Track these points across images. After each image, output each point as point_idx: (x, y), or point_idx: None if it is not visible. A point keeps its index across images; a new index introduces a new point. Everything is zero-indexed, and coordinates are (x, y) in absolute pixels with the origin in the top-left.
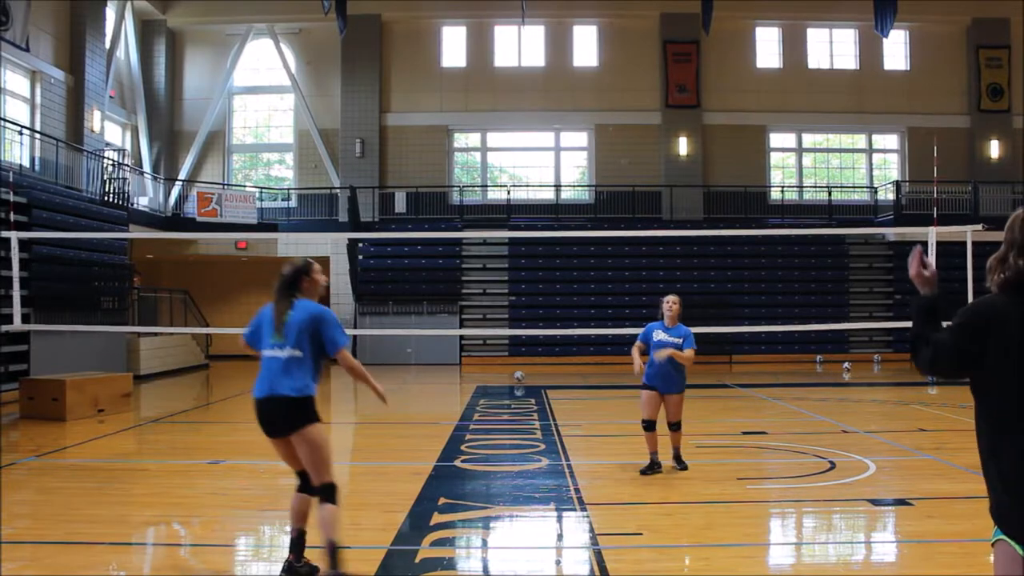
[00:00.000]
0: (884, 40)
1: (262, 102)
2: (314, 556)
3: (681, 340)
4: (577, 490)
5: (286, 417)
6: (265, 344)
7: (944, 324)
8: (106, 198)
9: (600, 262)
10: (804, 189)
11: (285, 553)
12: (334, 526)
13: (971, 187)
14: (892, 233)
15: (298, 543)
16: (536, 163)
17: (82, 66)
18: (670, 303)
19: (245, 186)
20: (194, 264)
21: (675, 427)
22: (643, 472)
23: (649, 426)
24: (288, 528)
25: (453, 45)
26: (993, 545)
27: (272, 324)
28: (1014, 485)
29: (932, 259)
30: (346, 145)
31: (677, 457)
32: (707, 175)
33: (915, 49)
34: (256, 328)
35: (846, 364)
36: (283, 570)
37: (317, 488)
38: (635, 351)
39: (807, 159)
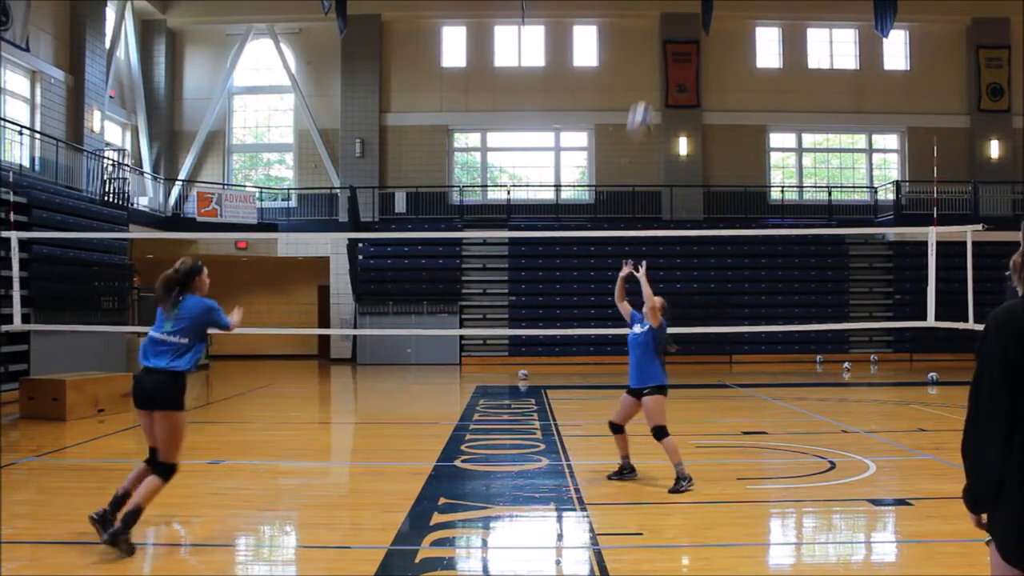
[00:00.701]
0: (884, 40)
1: (262, 102)
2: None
3: (645, 329)
4: (577, 490)
5: (156, 393)
6: (157, 328)
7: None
8: (106, 198)
9: (600, 262)
10: (804, 189)
11: (285, 553)
12: (151, 497)
13: (971, 187)
14: (892, 233)
15: (120, 502)
16: (536, 163)
17: (82, 66)
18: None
19: (245, 186)
20: None
21: (657, 434)
22: (610, 477)
23: (613, 428)
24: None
25: (453, 45)
26: (988, 544)
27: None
28: None
29: (932, 259)
30: (346, 145)
31: (677, 482)
32: (707, 175)
33: (915, 49)
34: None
35: (846, 364)
36: (95, 516)
37: (160, 464)
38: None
39: (807, 159)
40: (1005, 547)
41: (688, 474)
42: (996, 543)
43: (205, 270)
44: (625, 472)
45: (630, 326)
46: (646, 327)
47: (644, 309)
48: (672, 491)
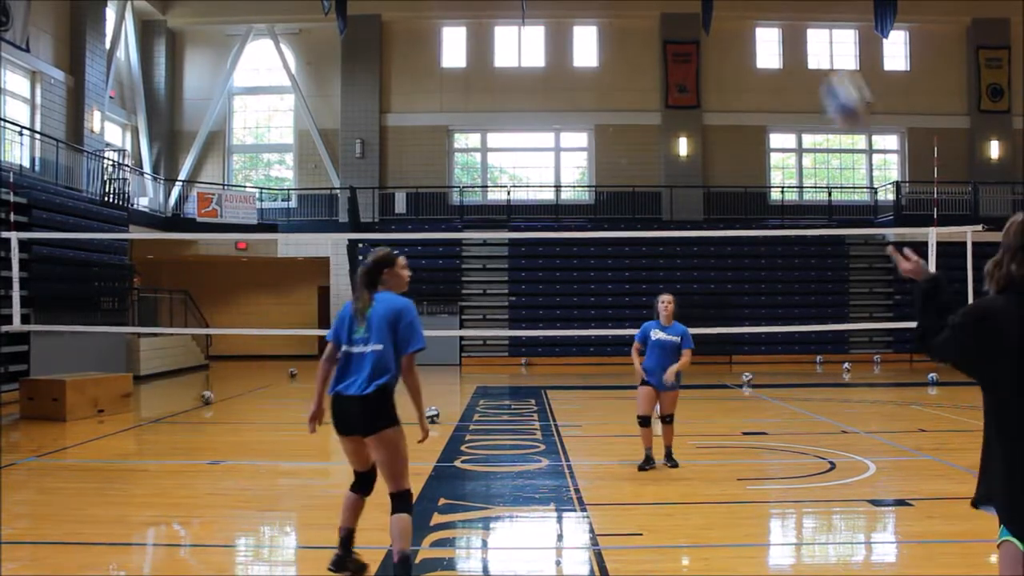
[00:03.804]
0: (884, 40)
1: (262, 102)
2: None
3: (679, 338)
4: (577, 490)
5: (363, 415)
6: (348, 339)
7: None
8: (106, 198)
9: (600, 262)
10: (804, 189)
11: (285, 553)
12: (408, 536)
13: (971, 187)
14: (892, 233)
15: (347, 541)
16: (536, 163)
17: (82, 66)
18: (665, 302)
19: (245, 186)
20: (194, 264)
21: (668, 420)
22: (641, 468)
23: (644, 422)
24: (339, 525)
25: (453, 45)
26: (999, 546)
27: (355, 318)
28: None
29: (932, 259)
30: (346, 145)
31: (669, 455)
32: (707, 175)
33: (915, 49)
34: (339, 325)
35: (846, 364)
36: (332, 562)
37: (393, 494)
38: (634, 354)
39: (807, 159)
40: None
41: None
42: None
43: (400, 259)
44: (650, 463)
45: (646, 332)
46: (677, 336)
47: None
48: (671, 465)
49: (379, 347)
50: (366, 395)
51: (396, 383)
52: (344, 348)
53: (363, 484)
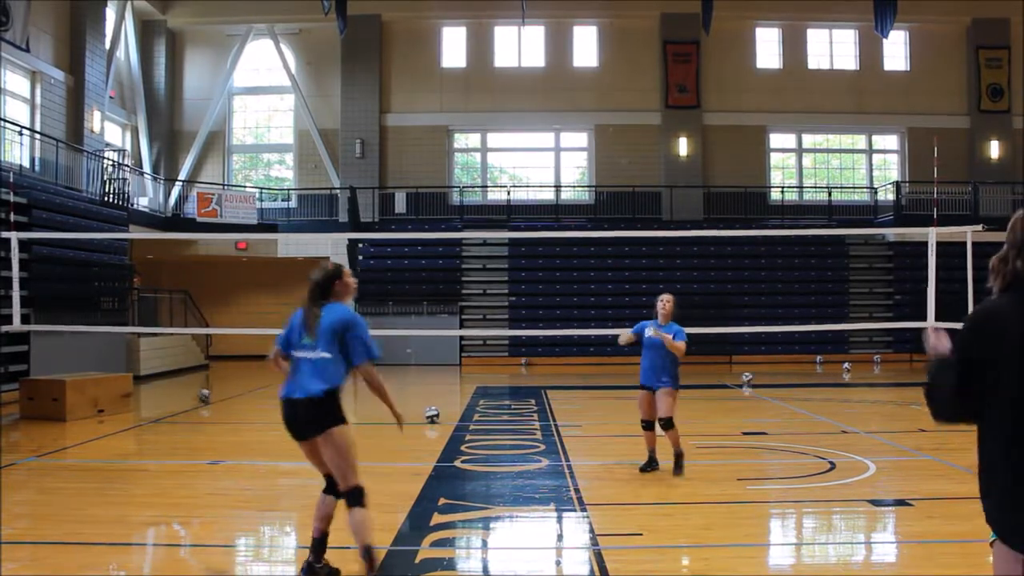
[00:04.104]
0: (884, 40)
1: (262, 102)
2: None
3: (671, 336)
4: (577, 490)
5: (311, 418)
6: (296, 346)
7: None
8: (106, 198)
9: (600, 262)
10: (804, 189)
11: (285, 553)
12: (367, 530)
13: (971, 187)
14: (892, 233)
15: (320, 545)
16: (536, 163)
17: (82, 66)
18: (664, 301)
19: (245, 186)
20: (194, 264)
21: (665, 425)
22: (642, 469)
23: (646, 425)
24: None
25: (453, 45)
26: (992, 544)
27: (304, 327)
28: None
29: (932, 259)
30: (346, 145)
31: (677, 463)
32: (707, 175)
33: (915, 49)
34: (288, 333)
35: (846, 364)
36: (303, 571)
37: (343, 493)
38: (626, 332)
39: (807, 159)
40: (1004, 532)
41: (682, 450)
42: (995, 529)
43: (347, 271)
44: (652, 465)
45: (642, 328)
46: (670, 335)
47: (674, 345)
48: (677, 472)
49: (327, 355)
50: (313, 399)
51: (343, 388)
52: (293, 354)
53: (333, 485)
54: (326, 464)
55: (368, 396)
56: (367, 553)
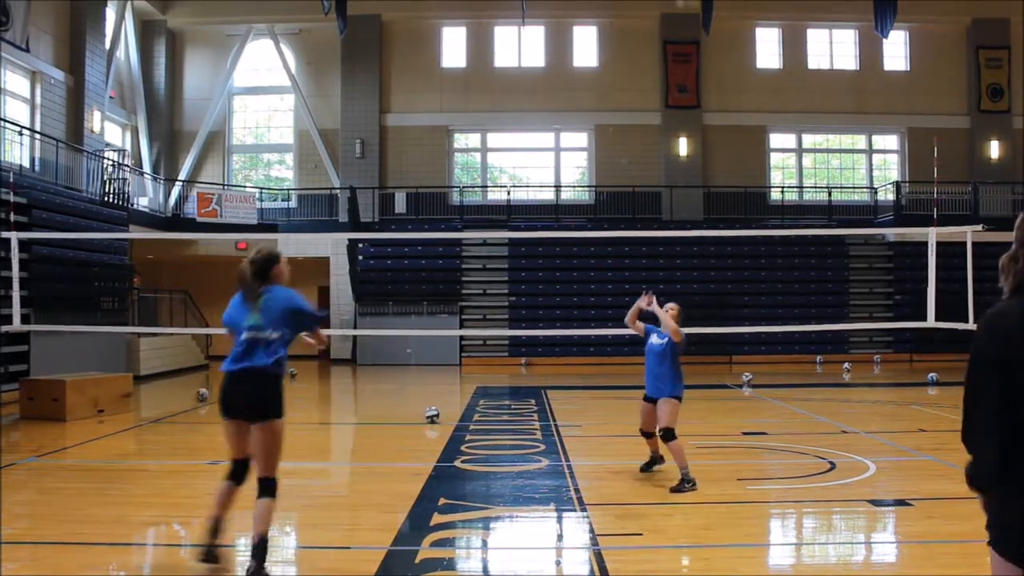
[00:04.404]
0: (884, 40)
1: (262, 102)
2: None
3: (665, 340)
4: (577, 490)
5: (259, 400)
6: (241, 328)
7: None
8: (106, 198)
9: (600, 262)
10: (804, 189)
11: (285, 553)
12: (269, 521)
13: (971, 187)
14: (892, 233)
15: (215, 530)
16: (536, 163)
17: (82, 66)
18: (669, 309)
19: (245, 186)
20: (194, 264)
21: (665, 436)
22: (642, 469)
23: (645, 435)
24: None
25: (453, 45)
26: (990, 544)
27: (245, 307)
28: None
29: (932, 259)
30: (346, 145)
31: (680, 484)
32: (707, 175)
33: (915, 49)
34: (232, 312)
35: (846, 364)
36: (203, 555)
37: (263, 480)
38: (634, 308)
39: (807, 159)
40: (1002, 543)
41: (693, 477)
42: (993, 539)
43: (283, 256)
44: (654, 465)
45: (645, 337)
46: (665, 338)
47: (664, 331)
48: (674, 490)
49: (275, 335)
50: (258, 370)
51: (285, 366)
52: (241, 336)
53: (239, 472)
54: (250, 449)
55: (368, 396)
56: (261, 542)
